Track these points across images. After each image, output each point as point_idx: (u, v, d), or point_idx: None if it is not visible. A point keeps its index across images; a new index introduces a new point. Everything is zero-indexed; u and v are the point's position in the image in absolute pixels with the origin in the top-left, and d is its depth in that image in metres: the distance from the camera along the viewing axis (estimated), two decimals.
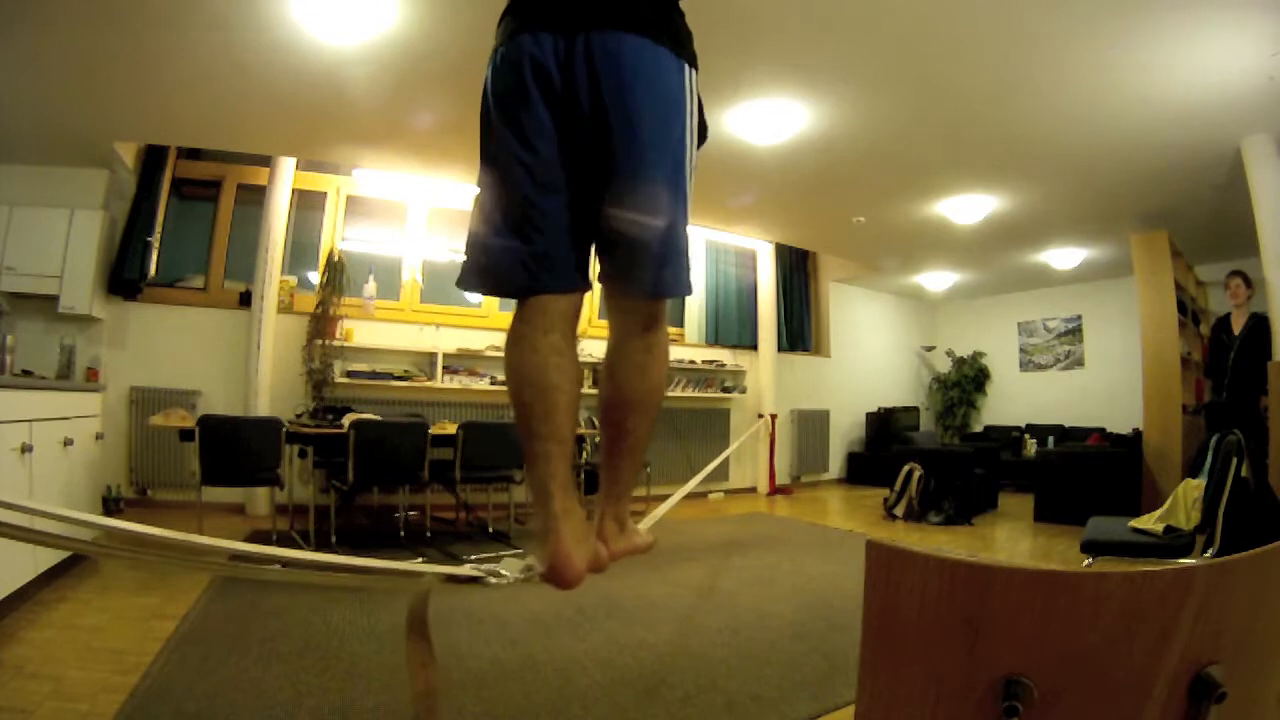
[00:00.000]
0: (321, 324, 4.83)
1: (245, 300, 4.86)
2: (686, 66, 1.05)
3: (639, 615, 2.74)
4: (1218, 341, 4.74)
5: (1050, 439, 7.26)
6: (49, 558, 2.67)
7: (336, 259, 4.97)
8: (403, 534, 4.29)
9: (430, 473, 3.94)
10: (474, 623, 2.56)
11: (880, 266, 7.51)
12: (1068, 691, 0.51)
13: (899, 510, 5.47)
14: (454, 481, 4.05)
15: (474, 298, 5.84)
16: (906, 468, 5.55)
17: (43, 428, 2.59)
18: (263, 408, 4.58)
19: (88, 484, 3.22)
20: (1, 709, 1.73)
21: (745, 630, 2.59)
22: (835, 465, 7.93)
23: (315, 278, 5.07)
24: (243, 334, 4.74)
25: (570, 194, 1.02)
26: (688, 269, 1.06)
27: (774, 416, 6.79)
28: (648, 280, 1.03)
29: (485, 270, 1.05)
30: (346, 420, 3.87)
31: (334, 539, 3.83)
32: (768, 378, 6.86)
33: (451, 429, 4.03)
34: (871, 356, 8.58)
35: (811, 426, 7.45)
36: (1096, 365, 7.81)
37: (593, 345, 5.83)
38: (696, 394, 6.43)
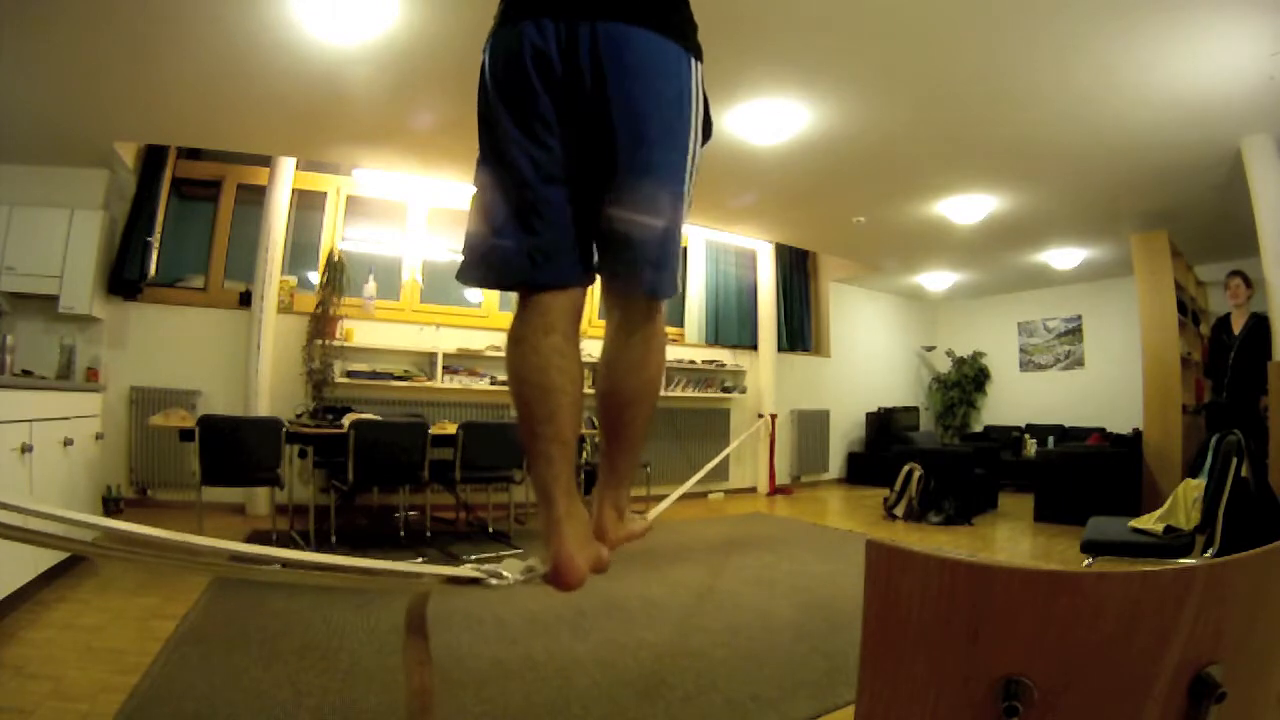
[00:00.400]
0: (321, 324, 4.83)
1: (245, 300, 4.86)
2: (692, 59, 1.03)
3: (639, 615, 2.74)
4: (1218, 341, 4.74)
5: (1050, 439, 7.26)
6: (49, 558, 2.67)
7: (336, 259, 4.97)
8: (403, 534, 4.29)
9: (430, 473, 3.94)
10: (474, 623, 2.56)
11: (880, 266, 7.51)
12: (1068, 691, 0.51)
13: (899, 510, 5.47)
14: (454, 481, 4.05)
15: (474, 297, 5.85)
16: (906, 468, 5.55)
17: (43, 428, 2.59)
18: (263, 408, 4.58)
19: (88, 484, 3.22)
20: (1, 709, 1.73)
21: (745, 630, 2.59)
22: (835, 465, 7.93)
23: (315, 278, 5.07)
24: (243, 334, 4.74)
25: (572, 186, 1.00)
26: (678, 270, 1.05)
27: (774, 416, 6.79)
28: (646, 279, 1.01)
29: (486, 264, 1.03)
30: (346, 420, 3.87)
31: (334, 539, 3.83)
32: (768, 378, 6.86)
33: (451, 429, 4.03)
34: (871, 356, 8.59)
35: (811, 426, 7.45)
36: (1096, 365, 7.81)
37: (593, 345, 5.82)
38: (696, 394, 6.43)
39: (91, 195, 4.35)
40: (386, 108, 3.71)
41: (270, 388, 4.72)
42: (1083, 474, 5.19)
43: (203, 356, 4.74)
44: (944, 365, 9.15)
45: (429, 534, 4.23)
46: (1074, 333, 8.09)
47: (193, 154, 5.00)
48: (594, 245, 1.05)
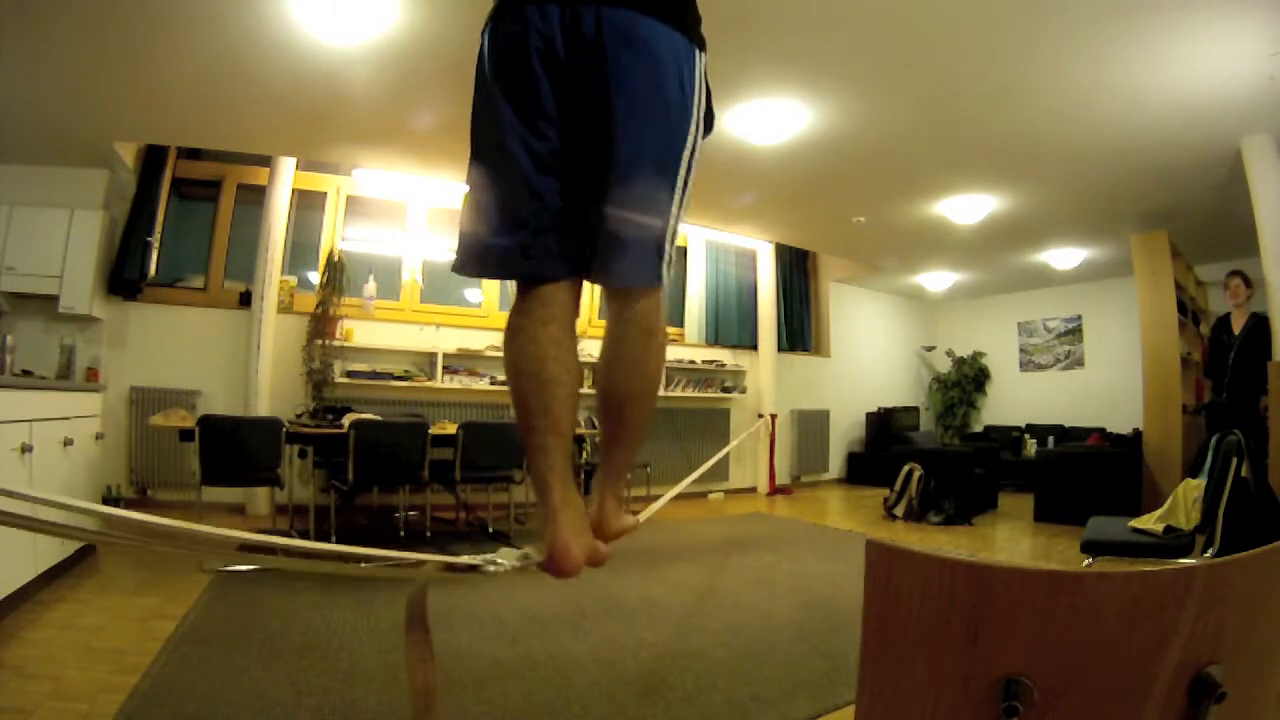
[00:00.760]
0: (321, 324, 4.83)
1: (245, 300, 4.86)
2: (696, 50, 1.03)
3: (639, 615, 2.74)
4: (1218, 341, 4.74)
5: (1050, 439, 7.26)
6: (49, 558, 2.68)
7: (336, 259, 4.97)
8: (403, 534, 4.29)
9: (430, 473, 3.94)
10: (474, 622, 2.56)
11: (880, 266, 7.51)
12: (1068, 691, 0.51)
13: (899, 510, 5.47)
14: (454, 481, 4.05)
15: (474, 297, 5.85)
16: (906, 468, 5.55)
17: (43, 428, 2.59)
18: (263, 408, 4.58)
19: (88, 484, 3.22)
20: (1, 709, 1.73)
21: (745, 630, 2.59)
22: (835, 465, 7.93)
23: (315, 278, 5.07)
24: (243, 334, 4.74)
25: (568, 177, 0.99)
26: (671, 260, 1.05)
27: (774, 416, 6.79)
28: (640, 270, 1.00)
29: (482, 257, 1.02)
30: (346, 420, 3.87)
31: (334, 539, 3.83)
32: (768, 378, 6.86)
33: (451, 429, 4.03)
34: (871, 356, 8.59)
35: (811, 426, 7.45)
36: (1096, 365, 7.81)
37: (593, 345, 5.82)
38: (696, 394, 6.43)
39: (91, 195, 4.34)
40: (386, 108, 3.71)
41: (270, 388, 4.71)
42: (1083, 474, 5.19)
43: (203, 356, 4.74)
44: (944, 365, 9.15)
45: (429, 534, 4.23)
46: (1074, 333, 8.09)
47: (193, 154, 5.00)
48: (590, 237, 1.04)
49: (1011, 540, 4.85)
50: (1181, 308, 5.20)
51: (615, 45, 0.94)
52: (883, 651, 0.58)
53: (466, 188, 1.05)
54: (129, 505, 4.42)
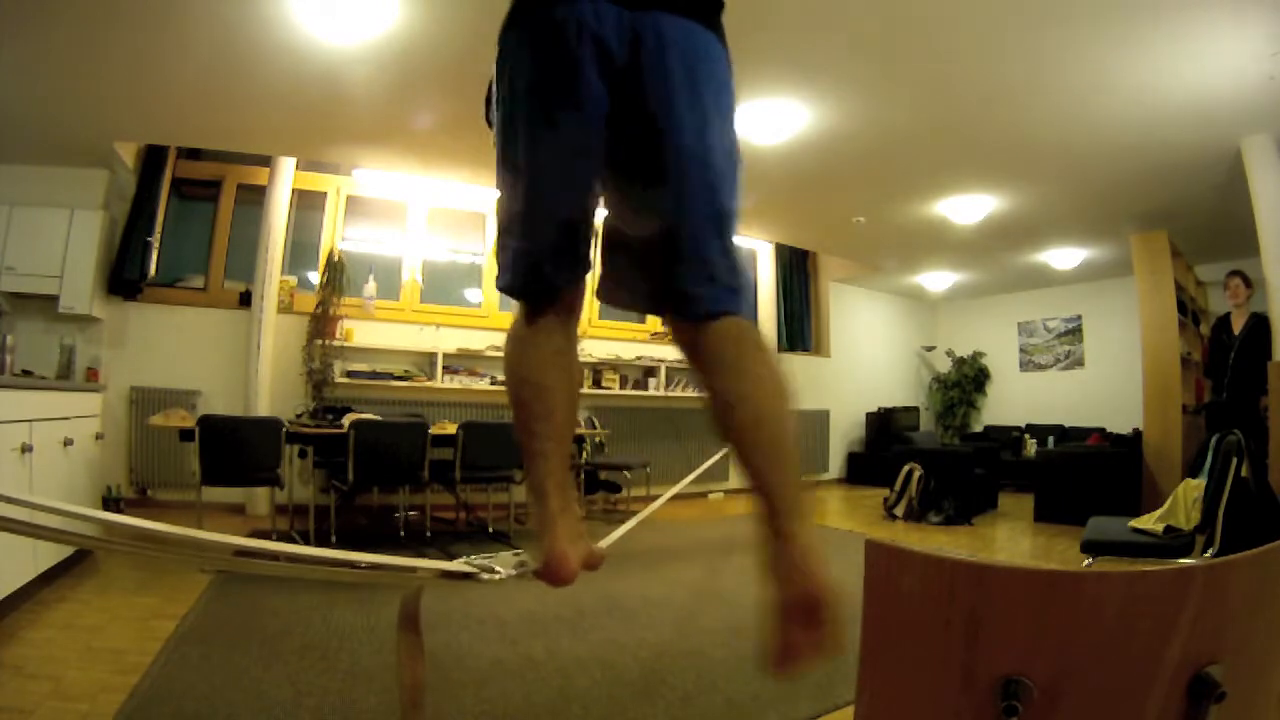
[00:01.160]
0: (321, 324, 4.83)
1: (245, 300, 4.86)
2: (730, 60, 1.00)
3: (639, 615, 2.74)
4: (1218, 341, 4.74)
5: (1050, 439, 7.26)
6: (49, 558, 2.67)
7: (336, 259, 4.97)
8: (402, 534, 4.29)
9: (430, 473, 3.94)
10: (474, 623, 2.56)
11: (880, 266, 7.51)
12: (1068, 691, 0.51)
13: (899, 510, 5.47)
14: (454, 481, 4.05)
15: (474, 297, 5.85)
16: (906, 468, 5.55)
17: (43, 428, 2.59)
18: (263, 408, 4.58)
19: (88, 484, 3.22)
20: (1, 709, 1.73)
21: (745, 630, 2.58)
22: (835, 465, 7.93)
23: (315, 278, 5.07)
24: (243, 334, 4.74)
25: (593, 185, 0.96)
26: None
27: None
28: (738, 301, 0.95)
29: (515, 270, 0.97)
30: (346, 420, 3.87)
31: (334, 539, 3.83)
32: None
33: (451, 429, 4.03)
34: (871, 356, 8.58)
35: (811, 426, 7.45)
36: (1096, 365, 7.81)
37: (592, 345, 5.84)
38: (696, 394, 6.42)
39: (91, 195, 4.35)
40: (386, 108, 3.71)
41: (270, 388, 4.71)
42: (1083, 474, 5.19)
43: (203, 356, 4.74)
44: (944, 365, 9.15)
45: (429, 534, 4.23)
46: (1074, 333, 8.09)
47: (193, 154, 5.00)
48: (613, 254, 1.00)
49: (1011, 540, 4.85)
50: (1181, 308, 5.20)
51: (679, 61, 0.90)
52: (882, 651, 0.58)
53: (499, 200, 1.00)
54: (129, 505, 4.42)
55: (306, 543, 3.72)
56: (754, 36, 2.96)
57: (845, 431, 8.03)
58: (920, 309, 9.46)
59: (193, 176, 5.04)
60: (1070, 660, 0.51)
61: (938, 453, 5.91)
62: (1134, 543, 2.92)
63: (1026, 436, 7.75)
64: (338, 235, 5.26)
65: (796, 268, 7.53)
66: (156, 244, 4.55)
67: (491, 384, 5.37)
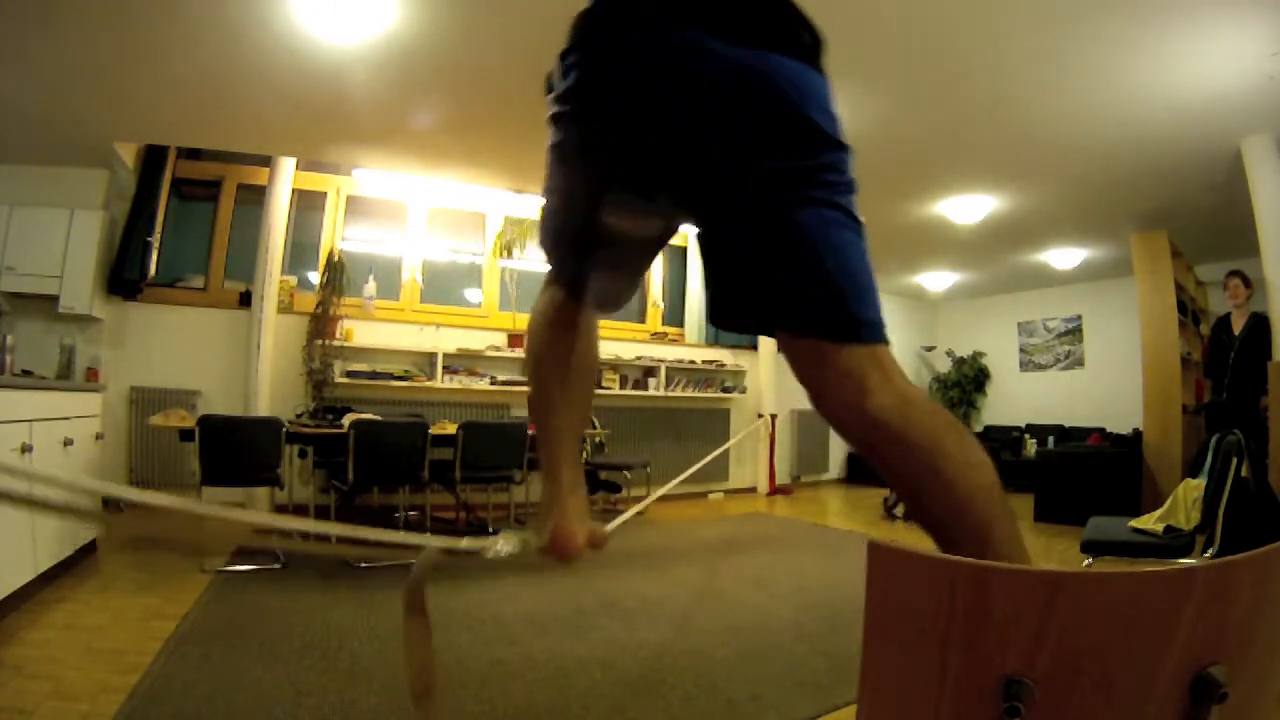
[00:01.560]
0: (321, 324, 4.83)
1: (245, 300, 4.86)
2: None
3: (639, 615, 2.74)
4: (1218, 341, 4.75)
5: (1050, 439, 7.26)
6: (49, 558, 2.67)
7: (336, 259, 4.97)
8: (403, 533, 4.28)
9: (430, 473, 3.94)
10: (474, 623, 2.56)
11: (880, 266, 7.50)
12: (1069, 692, 0.51)
13: (899, 510, 5.46)
14: (454, 481, 4.05)
15: (474, 297, 5.85)
16: None
17: (43, 428, 2.59)
18: (263, 408, 4.58)
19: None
20: (1, 709, 1.73)
21: (745, 630, 2.59)
22: (835, 465, 7.93)
23: (315, 278, 5.08)
24: (243, 334, 4.74)
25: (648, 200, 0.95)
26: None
27: (774, 416, 6.79)
28: (854, 319, 0.93)
29: (554, 259, 1.00)
30: (346, 420, 3.87)
31: (334, 538, 3.82)
32: (768, 378, 6.86)
33: (451, 429, 4.03)
34: None
35: (811, 426, 7.45)
36: (1096, 365, 7.81)
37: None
38: (696, 394, 6.43)
39: (91, 195, 4.34)
40: (386, 108, 3.70)
41: (270, 388, 4.71)
42: (1083, 474, 5.19)
43: (203, 356, 4.74)
44: (944, 365, 9.15)
45: (429, 534, 4.23)
46: (1074, 333, 8.09)
47: (193, 154, 5.00)
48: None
49: None
50: (1181, 308, 5.20)
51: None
52: (883, 651, 0.58)
53: (545, 204, 1.00)
54: (129, 505, 4.42)
55: (307, 542, 3.72)
56: None
57: None
58: (920, 309, 9.46)
59: (193, 176, 5.04)
60: (1072, 661, 0.51)
61: None
62: (1134, 543, 2.92)
63: (1026, 436, 7.75)
64: (338, 235, 5.26)
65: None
66: (156, 244, 4.55)
67: (491, 384, 5.37)
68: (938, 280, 8.07)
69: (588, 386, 1.02)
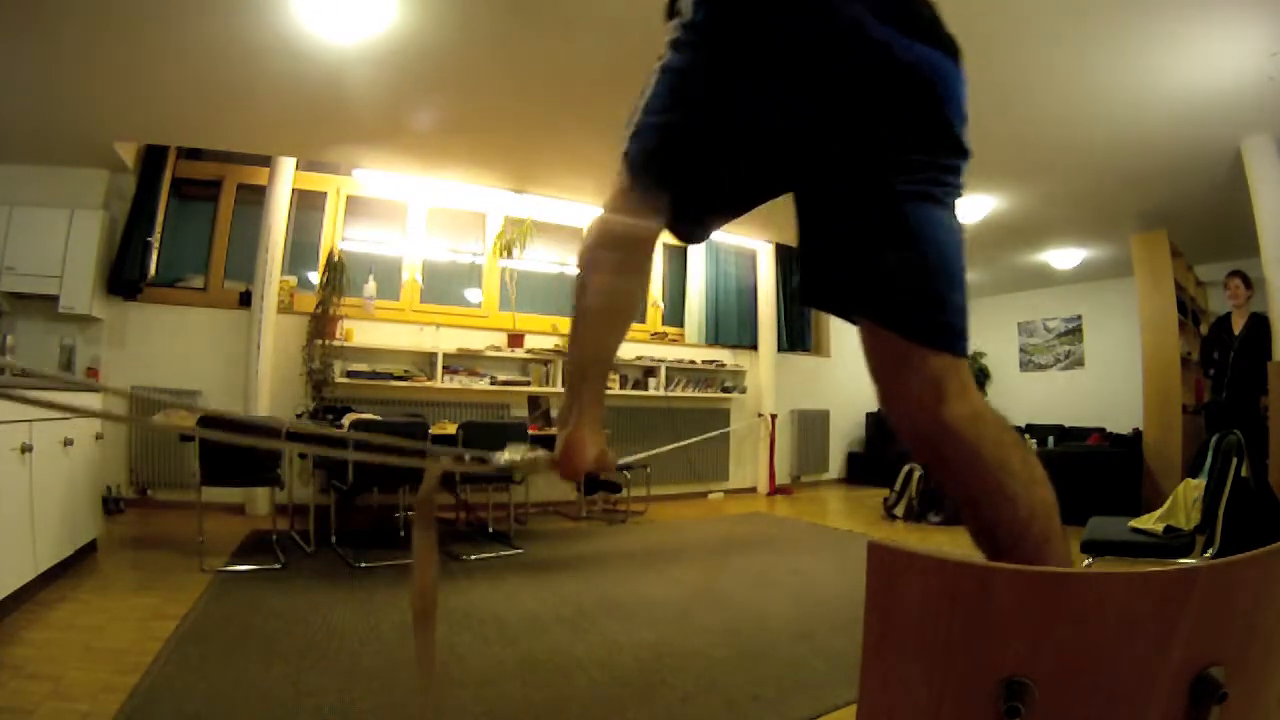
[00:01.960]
0: (321, 324, 4.83)
1: (245, 300, 4.86)
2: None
3: (639, 615, 2.74)
4: (1217, 340, 4.75)
5: (1050, 439, 7.25)
6: (49, 558, 2.67)
7: (336, 259, 4.97)
8: (402, 534, 4.28)
9: None
10: (474, 623, 2.56)
11: None
12: (1069, 692, 0.51)
13: (899, 510, 5.47)
14: (454, 481, 4.05)
15: (474, 297, 5.85)
16: (906, 468, 5.55)
17: (43, 428, 2.59)
18: (263, 408, 4.58)
19: (88, 484, 3.22)
20: (1, 709, 1.73)
21: (745, 630, 2.59)
22: (835, 465, 7.93)
23: (315, 278, 5.07)
24: (243, 334, 4.74)
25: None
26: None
27: (774, 416, 6.79)
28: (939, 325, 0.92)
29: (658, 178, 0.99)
30: (346, 420, 3.87)
31: (334, 539, 3.83)
32: (768, 378, 6.85)
33: (451, 429, 4.03)
34: None
35: (811, 426, 7.45)
36: (1096, 365, 7.81)
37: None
38: (696, 394, 6.43)
39: (91, 195, 4.35)
40: (387, 108, 3.71)
41: (270, 388, 4.71)
42: (1083, 474, 5.17)
43: (203, 356, 4.74)
44: None
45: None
46: (1074, 333, 8.09)
47: (193, 154, 5.00)
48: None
49: None
50: (1181, 308, 5.21)
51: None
52: (884, 652, 0.58)
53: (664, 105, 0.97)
54: (129, 505, 4.42)
55: (307, 542, 3.73)
56: None
57: (845, 431, 8.03)
58: None
59: (193, 176, 5.03)
60: (1072, 661, 0.51)
61: None
62: (1134, 543, 2.92)
63: (1026, 436, 7.72)
64: (338, 235, 5.26)
65: (797, 268, 7.52)
66: (156, 244, 4.55)
67: (491, 384, 5.37)
68: None
69: (624, 326, 1.04)
